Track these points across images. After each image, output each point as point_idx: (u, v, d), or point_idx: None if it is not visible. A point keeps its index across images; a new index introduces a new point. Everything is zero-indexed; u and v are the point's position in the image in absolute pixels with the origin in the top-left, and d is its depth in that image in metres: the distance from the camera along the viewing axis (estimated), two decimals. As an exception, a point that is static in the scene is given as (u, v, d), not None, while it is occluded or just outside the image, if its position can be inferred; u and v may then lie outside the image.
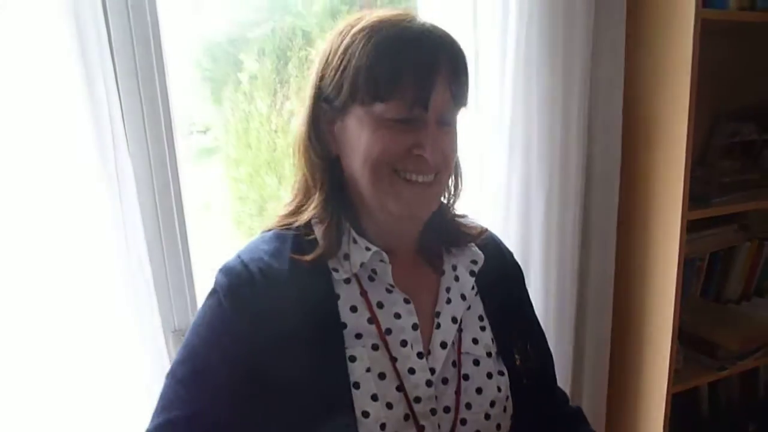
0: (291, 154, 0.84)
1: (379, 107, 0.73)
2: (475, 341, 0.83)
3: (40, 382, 1.01)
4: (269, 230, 0.83)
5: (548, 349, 0.95)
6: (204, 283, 1.19)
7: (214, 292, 0.78)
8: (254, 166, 1.79)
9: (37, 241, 0.96)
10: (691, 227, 1.58)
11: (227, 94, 1.88)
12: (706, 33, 1.22)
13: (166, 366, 1.00)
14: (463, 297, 0.84)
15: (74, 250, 0.98)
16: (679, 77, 1.26)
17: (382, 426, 0.74)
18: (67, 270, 0.98)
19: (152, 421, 0.77)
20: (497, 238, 0.95)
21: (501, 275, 0.90)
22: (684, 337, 1.48)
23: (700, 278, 1.67)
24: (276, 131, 1.84)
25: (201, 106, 2.00)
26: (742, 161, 1.61)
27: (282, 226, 0.82)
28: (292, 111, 1.80)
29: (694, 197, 1.35)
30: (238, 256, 0.79)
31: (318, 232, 0.79)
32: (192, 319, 0.88)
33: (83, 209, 0.98)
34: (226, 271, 0.78)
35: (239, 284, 0.76)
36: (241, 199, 1.87)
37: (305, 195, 0.82)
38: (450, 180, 0.85)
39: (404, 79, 0.71)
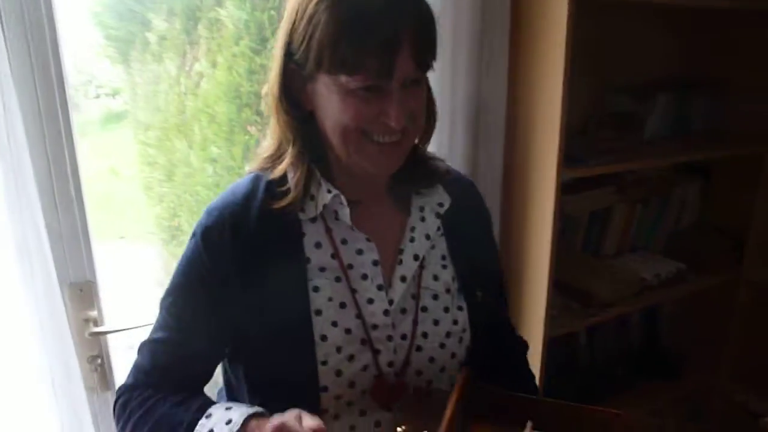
0: (265, 107, 0.90)
1: (344, 78, 0.76)
2: (435, 278, 0.92)
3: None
4: (251, 172, 0.91)
5: (505, 293, 1.06)
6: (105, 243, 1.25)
7: (194, 233, 0.88)
8: (163, 130, 1.78)
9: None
10: (572, 188, 1.74)
11: (135, 54, 1.85)
12: (583, 11, 1.34)
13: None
14: (428, 237, 0.92)
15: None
16: (555, 51, 1.38)
17: (338, 349, 0.84)
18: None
19: (145, 338, 0.90)
20: (470, 180, 1.03)
21: (468, 217, 0.98)
22: (561, 288, 1.64)
23: (580, 235, 1.84)
24: (186, 93, 1.82)
25: (107, 68, 1.95)
26: (618, 130, 1.77)
27: (262, 168, 0.90)
28: (201, 73, 1.81)
29: (573, 160, 1.49)
30: (218, 200, 0.88)
31: (291, 181, 0.86)
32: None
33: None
34: (206, 214, 0.87)
35: (213, 227, 0.85)
36: (150, 164, 1.85)
37: (283, 143, 0.88)
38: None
39: (367, 52, 0.74)
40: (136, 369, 0.90)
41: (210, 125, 1.74)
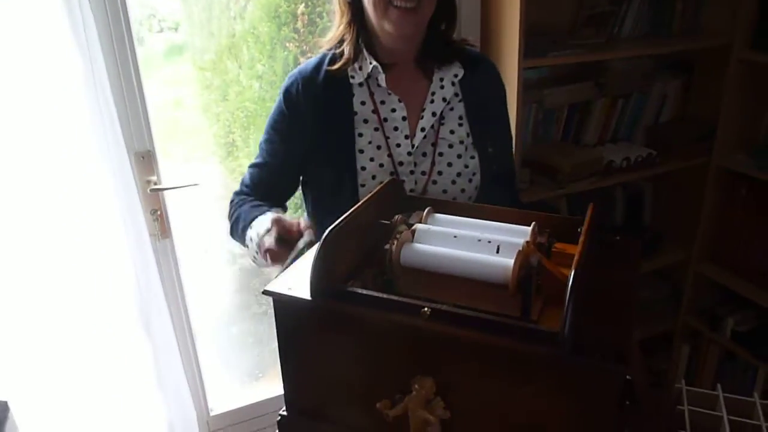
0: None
1: None
2: (451, 132, 1.24)
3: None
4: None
5: (512, 153, 1.38)
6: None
7: (280, 92, 1.25)
8: (217, 53, 2.00)
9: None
10: (552, 82, 1.98)
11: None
12: None
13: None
14: (444, 99, 1.23)
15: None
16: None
17: (373, 177, 1.20)
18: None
19: (250, 163, 1.30)
20: (491, 61, 1.36)
21: (485, 86, 1.28)
22: (532, 165, 1.93)
23: (560, 126, 2.08)
24: (234, 18, 2.01)
25: (167, 1, 2.18)
26: (596, 28, 1.98)
27: (327, 50, 1.25)
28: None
29: (535, 52, 1.73)
30: (296, 69, 1.25)
31: (345, 46, 1.21)
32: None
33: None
34: (288, 78, 1.24)
35: (291, 87, 1.23)
36: (207, 87, 2.03)
37: (342, 27, 1.22)
38: (442, 11, 1.20)
39: None
40: (242, 182, 1.30)
41: (255, 44, 1.99)
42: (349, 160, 1.20)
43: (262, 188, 1.28)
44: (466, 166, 1.25)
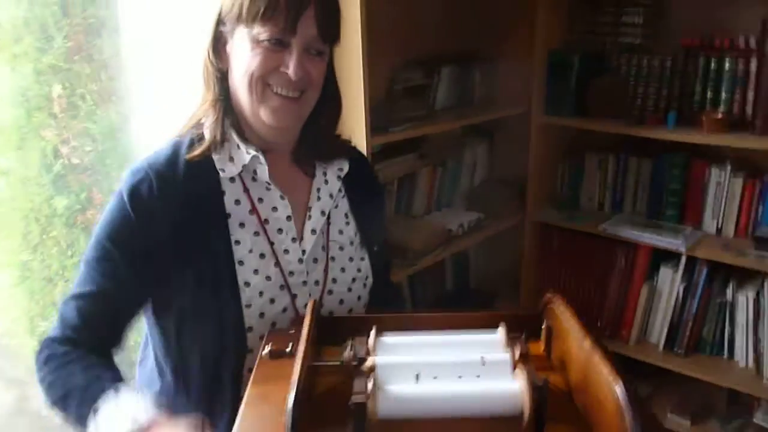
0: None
1: (257, 28, 0.91)
2: (340, 232, 1.08)
3: None
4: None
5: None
6: None
7: (119, 191, 0.95)
8: None
9: None
10: (383, 156, 1.93)
11: None
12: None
13: None
14: (331, 195, 1.07)
15: None
16: (353, 35, 1.54)
17: (260, 293, 0.96)
18: None
19: (70, 293, 0.95)
20: (366, 158, 1.22)
21: (365, 185, 1.15)
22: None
23: (392, 198, 2.04)
24: None
25: None
26: (413, 100, 2.00)
27: (181, 136, 1.00)
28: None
29: (378, 128, 1.67)
30: (141, 161, 0.97)
31: (207, 127, 0.98)
32: None
33: None
34: (131, 174, 0.95)
35: (140, 184, 0.93)
36: None
37: (206, 105, 1.00)
38: (326, 104, 1.04)
39: (278, 6, 0.89)
40: (61, 322, 0.94)
41: (-1, 135, 1.62)
42: (226, 276, 0.95)
43: (96, 325, 0.94)
44: (359, 270, 1.10)
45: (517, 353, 0.76)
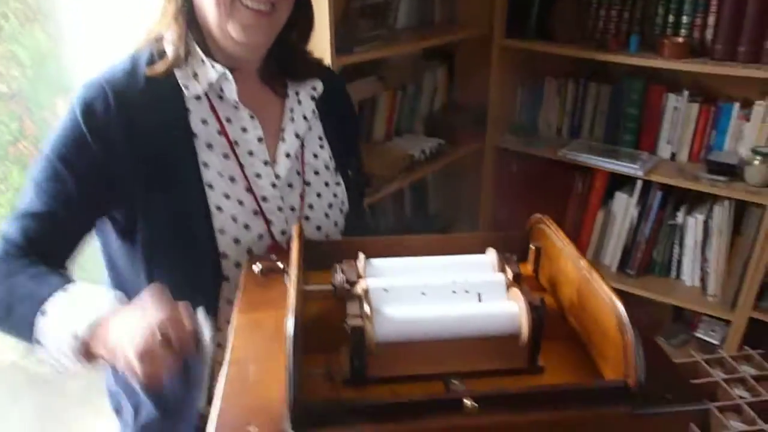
0: None
1: None
2: (315, 156, 1.02)
3: None
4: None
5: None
6: None
7: (71, 107, 0.85)
8: None
9: None
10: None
11: None
12: None
13: None
14: (305, 117, 1.00)
15: None
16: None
17: (234, 218, 0.91)
18: None
19: (13, 212, 0.86)
20: (342, 77, 1.13)
21: (339, 105, 1.08)
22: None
23: (354, 124, 1.98)
24: None
25: None
26: (373, 20, 1.90)
27: (138, 50, 0.91)
28: None
29: (342, 48, 1.58)
30: (96, 76, 0.87)
31: (167, 43, 0.89)
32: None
33: None
34: (84, 88, 0.86)
35: (95, 100, 0.84)
36: None
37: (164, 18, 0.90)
38: (297, 18, 0.95)
39: None
40: (6, 242, 0.85)
41: None
42: (196, 200, 0.89)
43: (42, 248, 0.86)
44: (335, 195, 1.05)
45: (510, 274, 0.75)
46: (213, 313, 0.92)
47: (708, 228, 1.94)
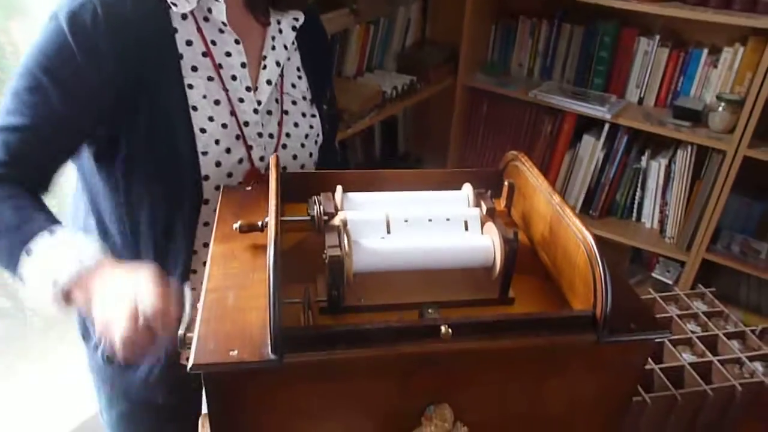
0: None
1: None
2: (293, 86, 1.01)
3: None
4: None
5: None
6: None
7: (54, 17, 0.81)
8: None
9: None
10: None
11: None
12: None
13: None
14: (285, 47, 0.99)
15: None
16: None
17: (217, 141, 0.90)
18: None
19: None
20: (317, 11, 1.08)
21: (316, 40, 1.06)
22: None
23: (325, 58, 1.94)
24: None
25: None
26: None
27: None
28: None
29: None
30: None
31: None
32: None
33: None
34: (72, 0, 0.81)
35: (82, 12, 0.80)
36: None
37: None
38: None
39: None
40: None
41: None
42: (180, 121, 0.87)
43: (24, 163, 0.83)
44: (311, 126, 1.05)
45: (485, 209, 0.77)
46: (191, 236, 0.92)
47: (670, 172, 1.99)
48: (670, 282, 2.09)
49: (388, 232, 0.72)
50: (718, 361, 1.06)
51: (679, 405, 0.99)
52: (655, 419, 0.99)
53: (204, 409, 1.25)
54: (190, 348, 0.59)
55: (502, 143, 2.28)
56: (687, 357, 1.08)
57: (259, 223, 0.73)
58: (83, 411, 1.63)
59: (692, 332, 1.13)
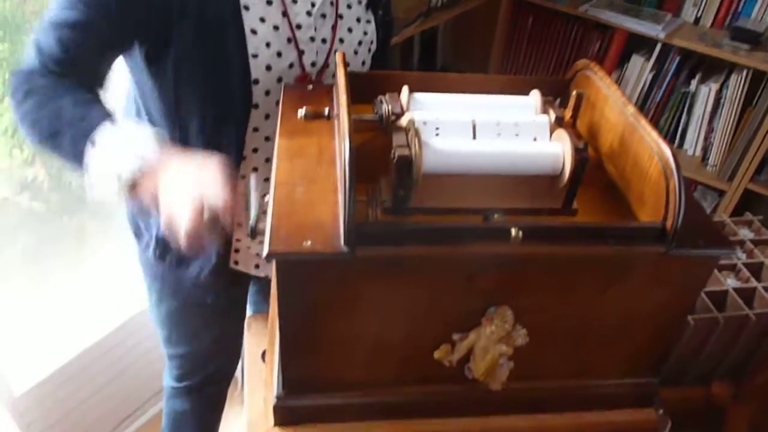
0: None
1: None
2: None
3: None
4: None
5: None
6: None
7: None
8: None
9: None
10: None
11: None
12: None
13: None
14: None
15: None
16: None
17: (267, 44, 0.87)
18: None
19: (44, 22, 0.80)
20: None
21: None
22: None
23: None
24: None
25: None
26: None
27: None
28: None
29: None
30: None
31: None
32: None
33: None
34: None
35: None
36: None
37: None
38: None
39: None
40: (42, 54, 0.80)
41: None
42: (231, 21, 0.85)
43: (80, 59, 0.81)
44: (365, 33, 1.01)
45: (554, 116, 0.75)
46: (240, 141, 0.92)
47: (720, 98, 1.92)
48: (707, 211, 2.07)
49: (458, 134, 0.71)
50: (763, 287, 1.06)
51: (721, 327, 1.00)
52: (696, 340, 1.01)
53: (249, 312, 1.30)
54: (262, 238, 0.60)
55: (546, 61, 2.20)
56: (732, 282, 1.09)
57: (326, 111, 0.72)
58: (125, 312, 1.68)
59: (738, 259, 1.13)
